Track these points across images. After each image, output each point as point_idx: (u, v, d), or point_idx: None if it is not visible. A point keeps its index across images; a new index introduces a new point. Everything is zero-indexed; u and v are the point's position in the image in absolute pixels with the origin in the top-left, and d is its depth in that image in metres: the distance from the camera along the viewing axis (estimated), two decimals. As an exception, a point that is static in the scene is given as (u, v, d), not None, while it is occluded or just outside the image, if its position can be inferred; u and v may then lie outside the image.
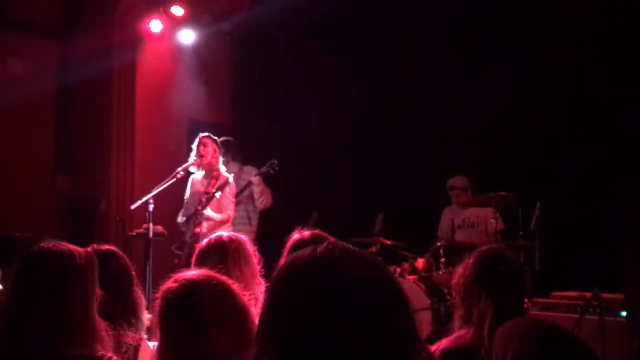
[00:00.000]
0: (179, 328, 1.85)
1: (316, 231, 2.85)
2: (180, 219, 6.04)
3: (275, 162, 6.41)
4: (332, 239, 2.58)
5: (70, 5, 8.25)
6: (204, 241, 2.96)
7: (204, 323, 1.83)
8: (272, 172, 6.45)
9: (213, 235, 2.98)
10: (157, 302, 1.91)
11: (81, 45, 7.96)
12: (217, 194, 5.71)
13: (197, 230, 5.70)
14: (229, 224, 5.97)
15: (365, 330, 1.08)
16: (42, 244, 2.15)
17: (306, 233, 2.82)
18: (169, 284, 1.92)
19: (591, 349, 1.62)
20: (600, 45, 5.74)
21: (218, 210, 5.84)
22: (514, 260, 2.54)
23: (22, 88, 7.69)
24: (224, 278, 1.95)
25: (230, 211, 5.91)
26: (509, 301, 2.37)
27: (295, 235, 2.83)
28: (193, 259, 2.88)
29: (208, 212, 5.76)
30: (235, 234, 3.02)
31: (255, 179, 6.46)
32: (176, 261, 5.83)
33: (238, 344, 1.80)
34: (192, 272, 1.97)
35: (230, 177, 5.96)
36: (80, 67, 7.83)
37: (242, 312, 1.88)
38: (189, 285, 1.89)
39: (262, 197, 6.57)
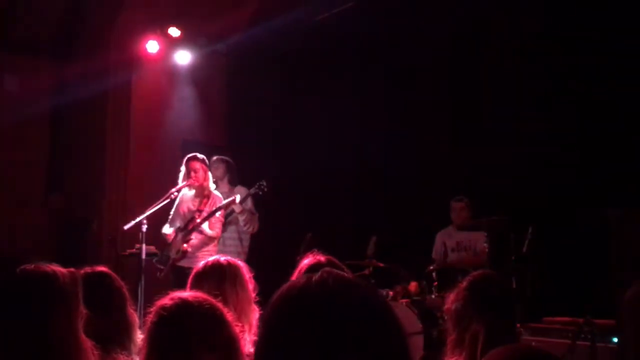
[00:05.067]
0: (166, 348, 1.84)
1: (330, 257, 2.80)
2: (167, 229, 6.03)
3: (264, 183, 6.37)
4: (344, 267, 2.59)
5: (67, 25, 8.31)
6: (202, 263, 2.94)
7: (192, 346, 1.82)
8: (261, 193, 6.42)
9: (211, 258, 2.96)
10: (150, 317, 1.91)
11: (77, 65, 8.00)
12: (218, 213, 5.78)
13: (185, 247, 5.73)
14: (215, 243, 6.01)
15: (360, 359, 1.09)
16: (23, 266, 2.14)
17: (322, 258, 2.77)
18: (165, 300, 1.92)
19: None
20: (598, 73, 5.80)
21: (208, 227, 5.91)
22: (505, 285, 2.56)
23: (17, 107, 7.73)
24: (220, 305, 1.95)
25: (217, 230, 5.95)
26: (500, 326, 2.38)
27: (307, 260, 2.77)
28: (189, 280, 2.86)
29: (205, 226, 5.83)
30: (233, 259, 2.98)
31: (237, 207, 6.42)
32: (158, 274, 5.82)
33: None
34: (189, 294, 1.97)
35: (212, 187, 6.03)
36: (76, 87, 7.88)
37: (232, 342, 1.87)
38: (184, 306, 1.89)
39: (247, 225, 6.55)
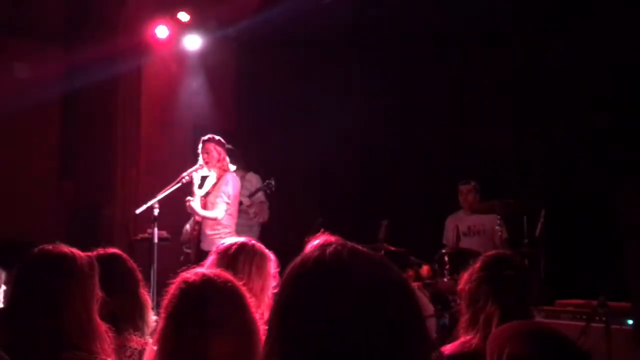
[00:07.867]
0: (183, 322, 1.82)
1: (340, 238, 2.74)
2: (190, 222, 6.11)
3: (273, 182, 6.51)
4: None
5: (76, 11, 8.29)
6: (223, 243, 2.86)
7: (209, 326, 1.81)
8: (268, 192, 6.58)
9: (232, 240, 2.87)
10: (170, 289, 1.88)
11: (87, 51, 7.98)
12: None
13: (196, 228, 5.80)
14: (227, 226, 5.84)
15: (373, 332, 1.07)
16: (42, 246, 2.15)
17: (332, 238, 2.71)
18: (188, 274, 1.89)
19: (589, 355, 1.62)
20: (602, 56, 5.74)
21: (212, 208, 5.79)
22: (520, 265, 2.54)
23: (28, 94, 7.72)
24: (243, 288, 1.92)
25: (218, 210, 5.72)
26: (515, 305, 2.36)
27: (316, 241, 2.72)
28: (213, 260, 2.76)
29: (195, 205, 5.71)
30: (261, 245, 2.86)
31: (246, 201, 6.47)
32: (182, 258, 5.89)
33: (239, 357, 1.78)
34: (213, 271, 1.95)
35: (232, 168, 5.94)
36: (86, 73, 7.86)
37: (249, 326, 1.84)
38: (207, 283, 1.85)
39: (257, 216, 6.63)
